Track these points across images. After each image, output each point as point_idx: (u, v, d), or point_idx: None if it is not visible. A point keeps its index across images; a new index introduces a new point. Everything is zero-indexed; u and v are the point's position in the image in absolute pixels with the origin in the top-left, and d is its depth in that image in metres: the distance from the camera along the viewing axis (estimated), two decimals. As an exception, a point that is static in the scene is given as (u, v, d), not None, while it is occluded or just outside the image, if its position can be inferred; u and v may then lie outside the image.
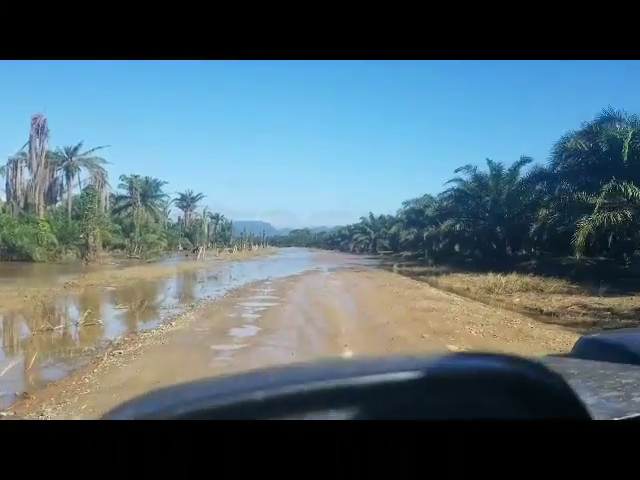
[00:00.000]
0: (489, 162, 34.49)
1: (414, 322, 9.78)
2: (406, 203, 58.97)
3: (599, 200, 20.78)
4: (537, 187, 29.22)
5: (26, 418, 4.87)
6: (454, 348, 7.29)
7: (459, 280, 23.62)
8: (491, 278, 21.43)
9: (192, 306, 12.86)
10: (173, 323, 9.86)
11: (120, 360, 6.85)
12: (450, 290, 19.34)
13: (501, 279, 19.86)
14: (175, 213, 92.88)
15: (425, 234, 47.98)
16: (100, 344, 8.23)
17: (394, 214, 74.71)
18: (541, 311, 13.44)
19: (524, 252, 34.15)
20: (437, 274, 27.37)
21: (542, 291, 17.78)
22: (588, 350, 1.17)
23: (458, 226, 36.85)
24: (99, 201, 65.40)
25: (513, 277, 21.06)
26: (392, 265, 41.42)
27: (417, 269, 34.28)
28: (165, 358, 6.85)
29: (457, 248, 44.36)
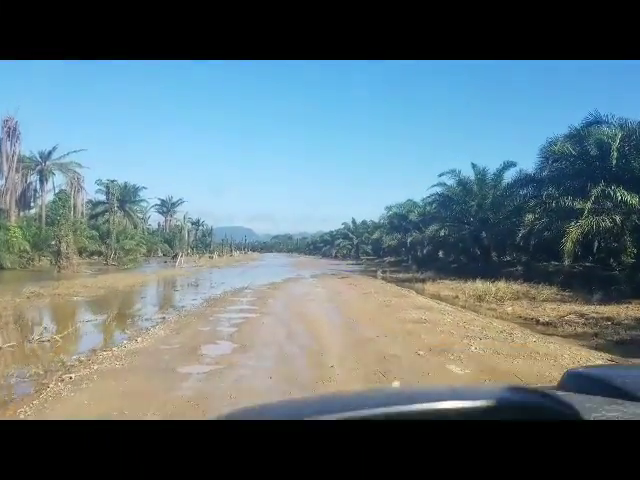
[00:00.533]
0: (474, 166, 33.90)
1: (406, 336, 8.89)
2: (389, 208, 58.06)
3: (588, 204, 20.28)
4: (522, 192, 28.83)
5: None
6: (456, 369, 6.42)
7: (446, 287, 22.86)
8: (480, 285, 20.72)
9: (163, 318, 11.81)
10: (139, 339, 8.82)
11: (68, 387, 5.83)
12: (438, 298, 18.55)
13: (491, 287, 19.14)
14: (155, 219, 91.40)
15: (409, 239, 47.38)
16: (51, 366, 7.18)
17: (376, 219, 74.18)
18: (537, 321, 12.67)
19: (509, 258, 33.64)
20: (423, 281, 26.65)
21: (534, 299, 17.07)
22: (574, 384, 1.20)
23: (443, 231, 36.25)
24: (75, 207, 63.90)
25: (502, 284, 20.39)
26: (376, 271, 40.58)
27: (401, 275, 33.54)
28: (121, 385, 5.85)
29: (441, 254, 43.83)
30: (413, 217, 49.44)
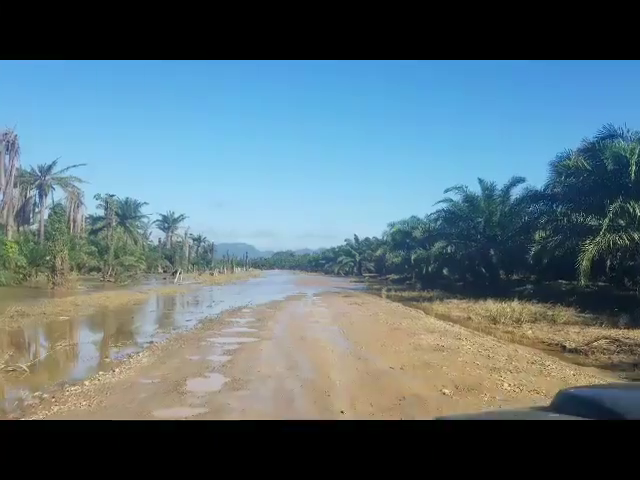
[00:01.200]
0: (480, 181, 32.79)
1: (425, 368, 7.70)
2: (392, 225, 56.91)
3: (606, 221, 19.32)
4: (532, 208, 28.05)
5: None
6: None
7: (456, 307, 21.67)
8: (492, 306, 19.53)
9: (151, 342, 10.64)
10: (117, 370, 7.65)
11: (14, 439, 4.67)
12: (449, 319, 17.39)
13: (505, 307, 17.89)
14: (156, 235, 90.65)
15: (413, 257, 46.15)
16: (5, 404, 6.02)
17: (379, 236, 73.16)
18: (564, 347, 11.49)
19: (517, 277, 32.44)
20: (430, 300, 25.49)
21: (554, 321, 15.85)
22: (566, 404, 1.23)
23: (449, 248, 35.14)
24: (74, 222, 63.06)
25: (516, 305, 19.14)
26: (379, 289, 39.46)
27: (407, 294, 32.38)
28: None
29: (446, 272, 42.67)
30: (417, 234, 48.43)
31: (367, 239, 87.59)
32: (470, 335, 11.93)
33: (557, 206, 25.14)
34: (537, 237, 23.51)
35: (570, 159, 22.92)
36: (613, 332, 12.83)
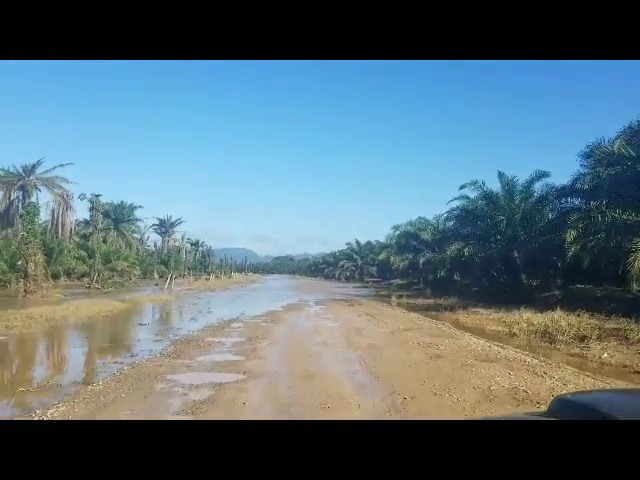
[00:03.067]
0: (501, 176, 29.28)
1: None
2: (396, 227, 53.13)
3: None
4: (558, 204, 25.15)
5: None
6: None
7: (486, 319, 18.16)
8: (534, 317, 16.13)
9: (84, 382, 7.20)
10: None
11: None
12: (485, 335, 13.97)
13: (559, 320, 14.40)
14: (155, 239, 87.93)
15: (421, 260, 42.69)
16: None
17: (382, 239, 69.68)
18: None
19: (539, 281, 29.04)
20: (451, 309, 22.08)
21: (626, 338, 12.40)
22: (562, 410, 1.21)
23: (467, 250, 31.63)
24: (63, 225, 59.65)
25: (560, 315, 15.74)
26: (387, 295, 35.95)
27: (420, 301, 29.02)
28: None
29: (456, 276, 39.35)
30: (426, 236, 44.96)
31: (369, 243, 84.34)
32: (545, 366, 8.46)
33: (591, 201, 22.12)
34: (568, 237, 20.12)
35: (612, 146, 19.74)
36: None
